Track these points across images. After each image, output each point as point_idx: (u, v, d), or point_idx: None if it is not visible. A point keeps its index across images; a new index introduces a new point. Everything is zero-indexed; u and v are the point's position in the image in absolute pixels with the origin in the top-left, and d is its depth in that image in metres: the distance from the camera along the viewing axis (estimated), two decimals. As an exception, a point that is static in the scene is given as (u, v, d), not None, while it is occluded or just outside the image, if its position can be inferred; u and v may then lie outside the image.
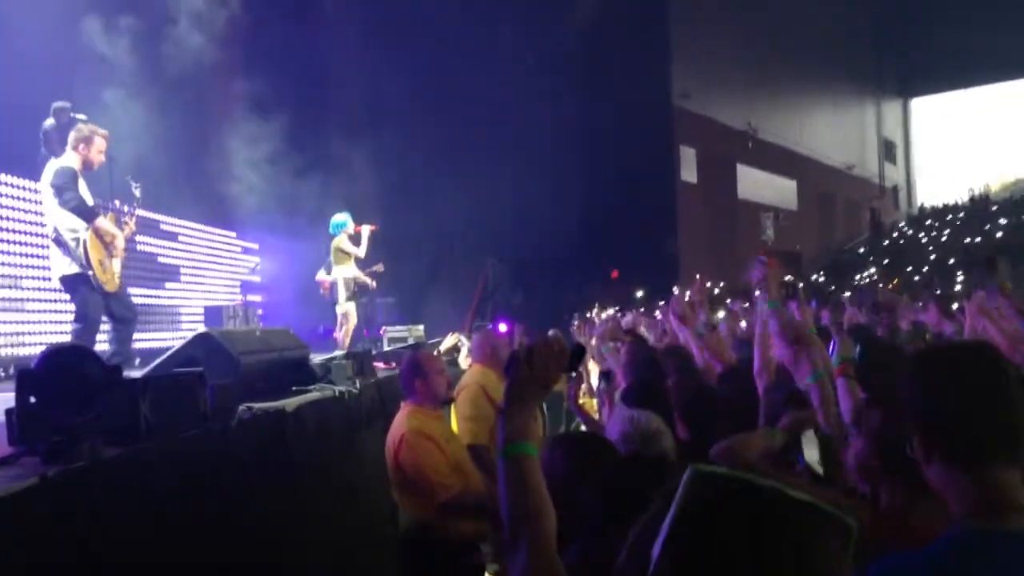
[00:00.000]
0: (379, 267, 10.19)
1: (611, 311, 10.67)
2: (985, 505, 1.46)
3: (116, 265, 6.04)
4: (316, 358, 5.88)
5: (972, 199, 39.14)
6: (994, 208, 34.56)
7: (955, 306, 6.71)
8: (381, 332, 10.51)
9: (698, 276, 6.24)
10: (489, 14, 17.53)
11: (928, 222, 37.28)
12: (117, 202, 6.59)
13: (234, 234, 12.75)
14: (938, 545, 1.46)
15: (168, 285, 10.68)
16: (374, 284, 10.16)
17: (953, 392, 1.54)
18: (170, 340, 9.23)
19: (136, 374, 3.93)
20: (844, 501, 1.98)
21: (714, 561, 0.97)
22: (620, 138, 20.40)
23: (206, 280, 11.82)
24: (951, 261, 26.55)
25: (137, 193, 6.60)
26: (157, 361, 4.57)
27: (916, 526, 1.86)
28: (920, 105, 45.90)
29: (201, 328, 6.91)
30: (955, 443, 1.51)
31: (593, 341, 7.65)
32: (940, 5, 36.40)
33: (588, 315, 11.66)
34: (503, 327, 8.07)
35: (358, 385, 5.45)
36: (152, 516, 2.88)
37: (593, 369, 6.88)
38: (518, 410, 1.65)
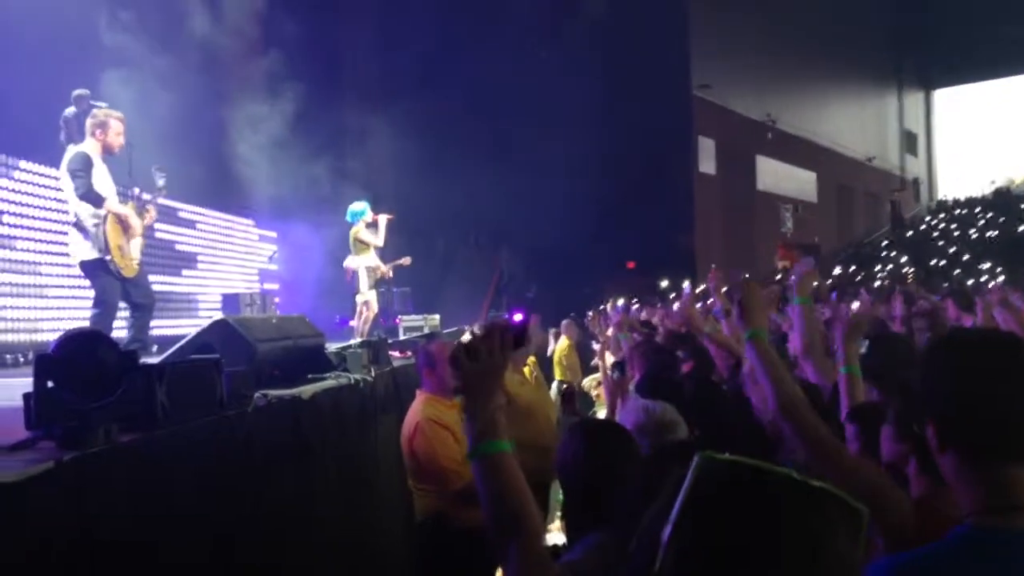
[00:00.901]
0: (405, 260, 10.35)
1: (623, 301, 10.61)
2: (997, 503, 1.40)
3: (135, 250, 6.05)
4: (332, 346, 5.89)
5: (996, 192, 38.71)
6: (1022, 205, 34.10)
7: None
8: (397, 321, 10.53)
9: (713, 266, 6.20)
10: (507, 2, 17.46)
11: (949, 215, 36.94)
12: (136, 189, 6.61)
13: (252, 222, 12.80)
14: (946, 543, 1.42)
15: (186, 272, 10.74)
16: (391, 273, 10.23)
17: (966, 382, 1.47)
18: (187, 327, 9.27)
19: (153, 360, 3.94)
20: (889, 484, 1.95)
21: (722, 548, 0.95)
22: (638, 128, 20.29)
23: (224, 268, 11.88)
24: (965, 257, 26.33)
25: (161, 183, 6.60)
26: (174, 348, 4.59)
27: (943, 514, 1.84)
28: (942, 96, 45.37)
29: (218, 315, 6.93)
30: (967, 437, 1.45)
31: (609, 331, 7.63)
32: (963, -4, 35.99)
33: (603, 307, 11.62)
34: (518, 317, 8.06)
35: (373, 374, 5.46)
36: (167, 501, 2.89)
37: (610, 360, 6.86)
38: (482, 406, 1.56)
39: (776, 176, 28.44)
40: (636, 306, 11.19)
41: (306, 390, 4.48)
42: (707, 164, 24.57)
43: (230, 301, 9.94)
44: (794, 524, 0.95)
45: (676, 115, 22.42)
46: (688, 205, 22.88)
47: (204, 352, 4.02)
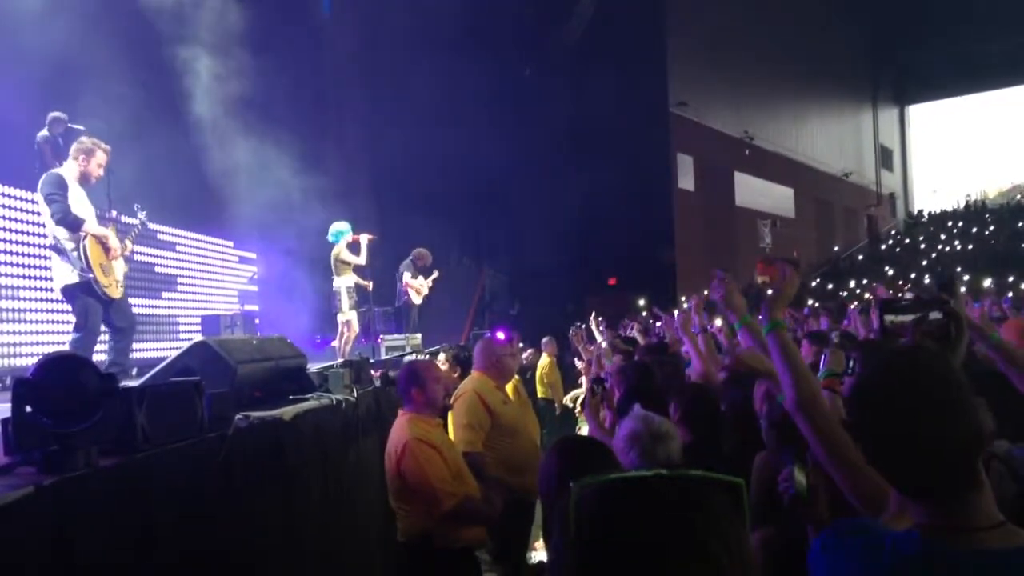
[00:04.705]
0: (436, 275, 11.81)
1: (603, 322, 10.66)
2: (938, 526, 1.37)
3: (118, 271, 6.01)
4: (314, 367, 5.87)
5: (968, 206, 39.25)
6: (988, 216, 34.65)
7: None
8: (379, 341, 10.51)
9: (720, 271, 6.18)
10: (487, 21, 17.58)
11: (924, 228, 37.40)
12: (114, 212, 6.58)
13: (231, 243, 12.75)
14: (893, 545, 1.39)
15: (165, 295, 10.67)
16: (426, 289, 11.49)
17: (884, 420, 1.42)
18: (167, 350, 9.21)
19: (133, 383, 3.92)
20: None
21: (614, 562, 0.99)
22: (617, 146, 20.44)
23: (203, 290, 11.81)
24: (937, 269, 26.62)
25: (142, 217, 6.60)
26: (154, 370, 4.55)
27: None
28: (916, 112, 46.05)
29: (198, 337, 6.89)
30: (895, 477, 1.43)
31: (591, 348, 7.65)
32: (936, 13, 36.60)
33: (583, 325, 11.67)
34: (501, 335, 8.07)
35: (355, 394, 5.44)
36: (148, 525, 2.87)
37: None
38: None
39: (754, 192, 28.69)
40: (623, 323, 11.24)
41: (287, 411, 4.45)
42: (686, 181, 24.75)
43: (210, 323, 9.88)
44: (676, 515, 0.99)
45: (655, 132, 22.61)
46: (668, 221, 23.03)
47: (184, 374, 4.00)
